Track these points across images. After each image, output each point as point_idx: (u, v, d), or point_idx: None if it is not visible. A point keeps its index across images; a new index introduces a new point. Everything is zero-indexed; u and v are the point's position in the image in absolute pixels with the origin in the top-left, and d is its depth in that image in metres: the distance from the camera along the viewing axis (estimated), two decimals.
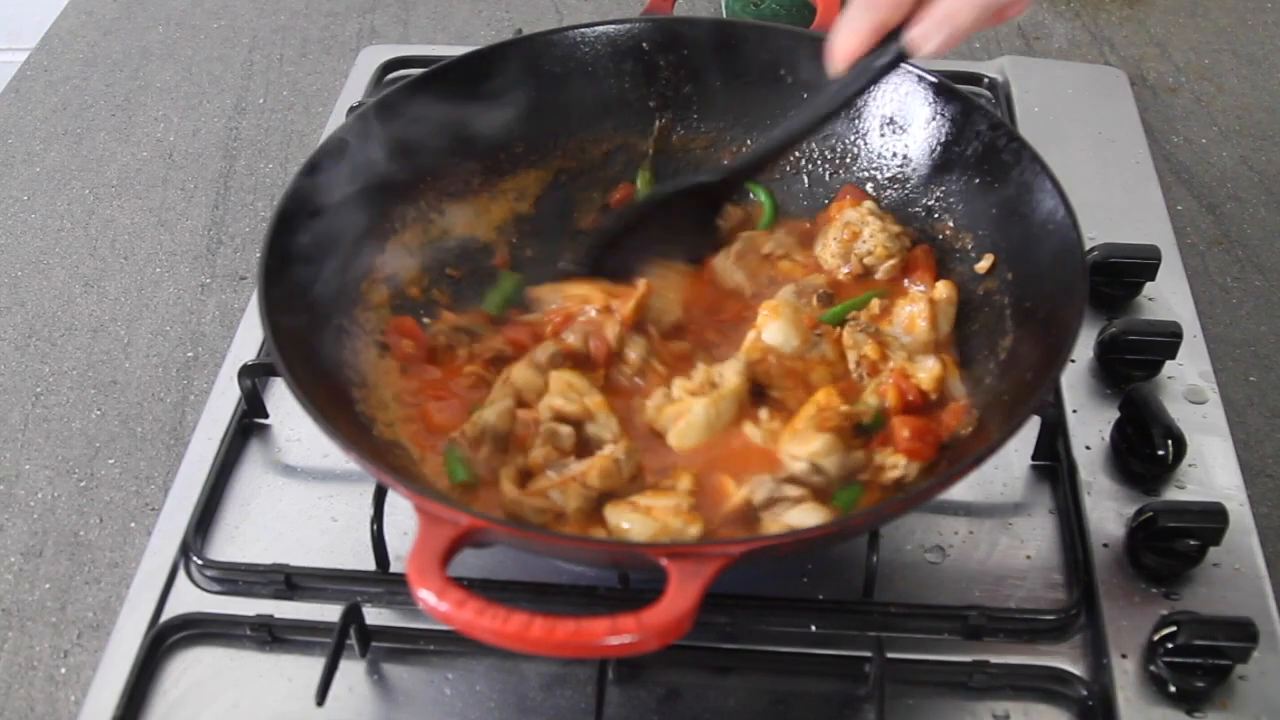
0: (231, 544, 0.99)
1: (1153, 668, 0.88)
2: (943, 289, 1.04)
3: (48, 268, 1.30)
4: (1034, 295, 0.97)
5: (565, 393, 0.96)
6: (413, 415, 0.99)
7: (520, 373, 0.99)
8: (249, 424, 1.08)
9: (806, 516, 0.88)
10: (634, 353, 1.02)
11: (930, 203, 1.10)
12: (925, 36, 0.91)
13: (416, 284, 1.09)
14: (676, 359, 1.03)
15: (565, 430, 0.95)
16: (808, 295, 1.06)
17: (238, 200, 1.38)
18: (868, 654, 0.88)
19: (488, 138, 1.16)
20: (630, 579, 0.93)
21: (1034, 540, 0.97)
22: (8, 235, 1.35)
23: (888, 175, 1.14)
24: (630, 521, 0.88)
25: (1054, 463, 1.02)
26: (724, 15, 1.61)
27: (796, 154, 1.18)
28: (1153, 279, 1.15)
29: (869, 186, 1.15)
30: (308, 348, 0.93)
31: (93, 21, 1.70)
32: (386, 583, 0.94)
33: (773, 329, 1.00)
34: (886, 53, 0.94)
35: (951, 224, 1.08)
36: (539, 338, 1.04)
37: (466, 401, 0.99)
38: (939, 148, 1.10)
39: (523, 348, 1.03)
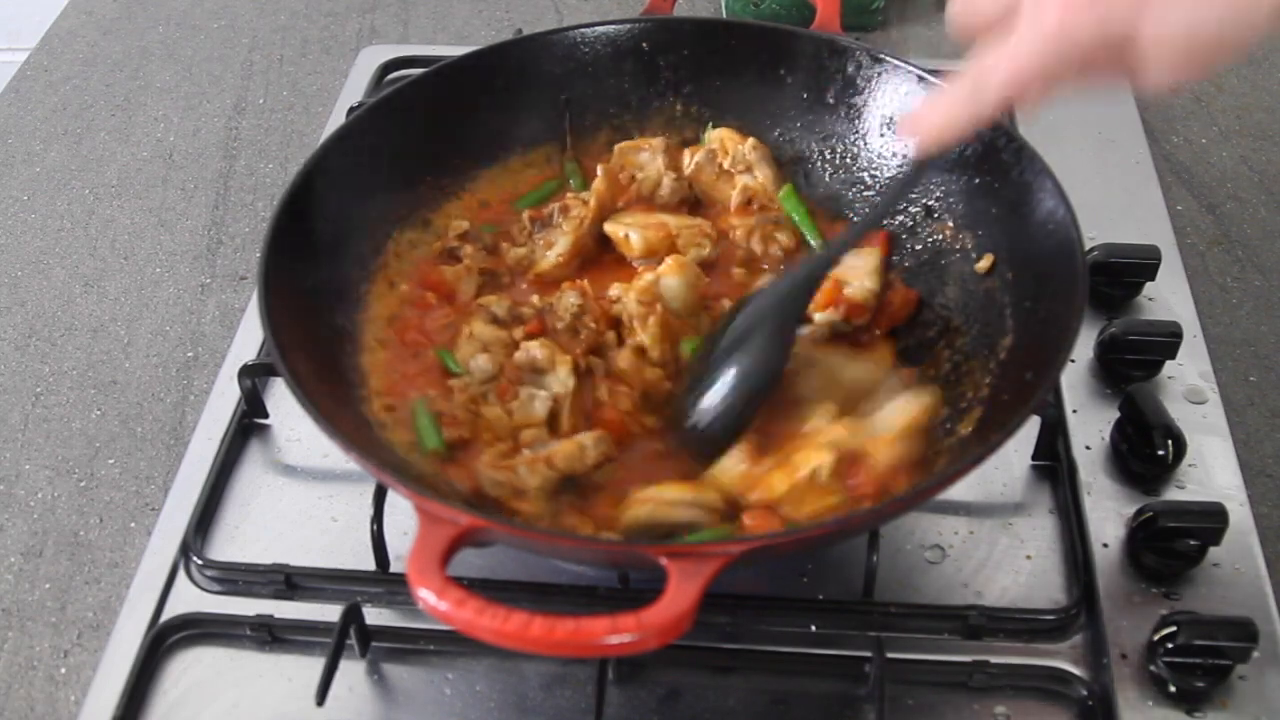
0: (231, 544, 0.99)
1: (1153, 668, 0.88)
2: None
3: (48, 268, 1.30)
4: (1034, 295, 0.97)
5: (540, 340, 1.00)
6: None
7: (480, 327, 1.01)
8: (249, 424, 1.08)
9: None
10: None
11: (930, 203, 1.10)
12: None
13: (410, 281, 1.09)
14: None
15: (542, 395, 0.96)
16: None
17: (238, 200, 1.38)
18: (868, 654, 0.88)
19: (486, 138, 1.16)
20: (630, 579, 0.93)
21: (1034, 540, 0.97)
22: (8, 235, 1.35)
23: (888, 175, 1.14)
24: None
25: (1054, 463, 1.02)
26: (724, 15, 1.61)
27: (796, 154, 1.18)
28: (1153, 279, 1.15)
29: (867, 184, 1.15)
30: (308, 348, 0.93)
31: (93, 21, 1.70)
32: (386, 583, 0.95)
33: (670, 283, 1.04)
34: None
35: (951, 224, 1.08)
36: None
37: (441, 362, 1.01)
38: None
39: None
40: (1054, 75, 0.77)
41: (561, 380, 0.97)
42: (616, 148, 1.17)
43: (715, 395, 0.94)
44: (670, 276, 1.04)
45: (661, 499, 0.90)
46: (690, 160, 1.17)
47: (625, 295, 1.03)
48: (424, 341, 1.03)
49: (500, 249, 1.12)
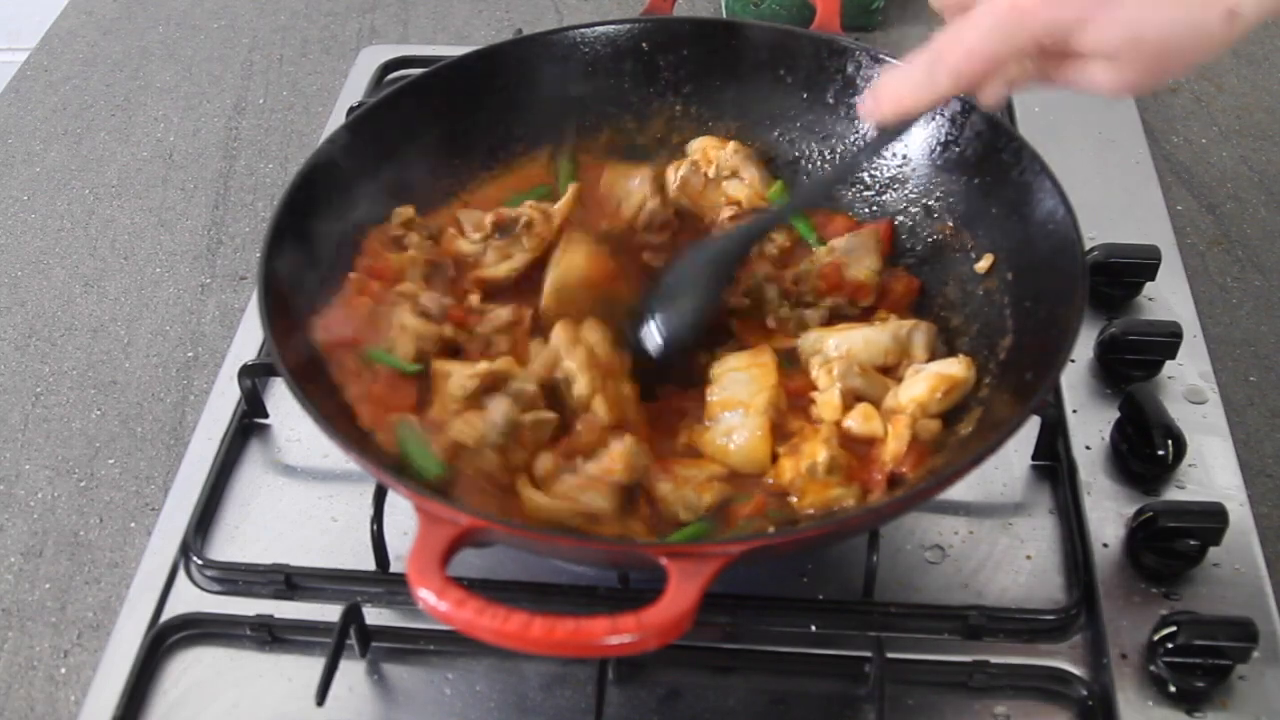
0: (231, 544, 0.99)
1: (1153, 668, 0.88)
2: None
3: (48, 268, 1.30)
4: (1034, 295, 0.97)
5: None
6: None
7: (409, 319, 0.97)
8: (249, 424, 1.08)
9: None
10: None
11: (930, 203, 1.10)
12: (998, 101, 0.87)
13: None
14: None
15: (548, 418, 0.93)
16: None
17: (238, 200, 1.38)
18: (868, 654, 0.88)
19: (486, 138, 1.16)
20: (630, 579, 0.93)
21: (1034, 540, 0.97)
22: (8, 235, 1.35)
23: (888, 175, 1.14)
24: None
25: (1054, 463, 1.02)
26: (724, 15, 1.61)
27: (795, 154, 1.18)
28: (1153, 279, 1.15)
29: (866, 184, 1.15)
30: (308, 348, 0.93)
31: (93, 21, 1.70)
32: (386, 583, 0.95)
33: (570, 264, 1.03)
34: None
35: (951, 224, 1.08)
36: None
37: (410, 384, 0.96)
38: (939, 148, 1.10)
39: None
40: (1002, 58, 0.78)
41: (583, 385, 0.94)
42: (608, 170, 1.14)
43: (653, 337, 1.00)
44: (567, 259, 1.01)
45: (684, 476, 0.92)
46: (675, 175, 1.16)
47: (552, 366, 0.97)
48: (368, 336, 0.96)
49: (445, 237, 1.07)
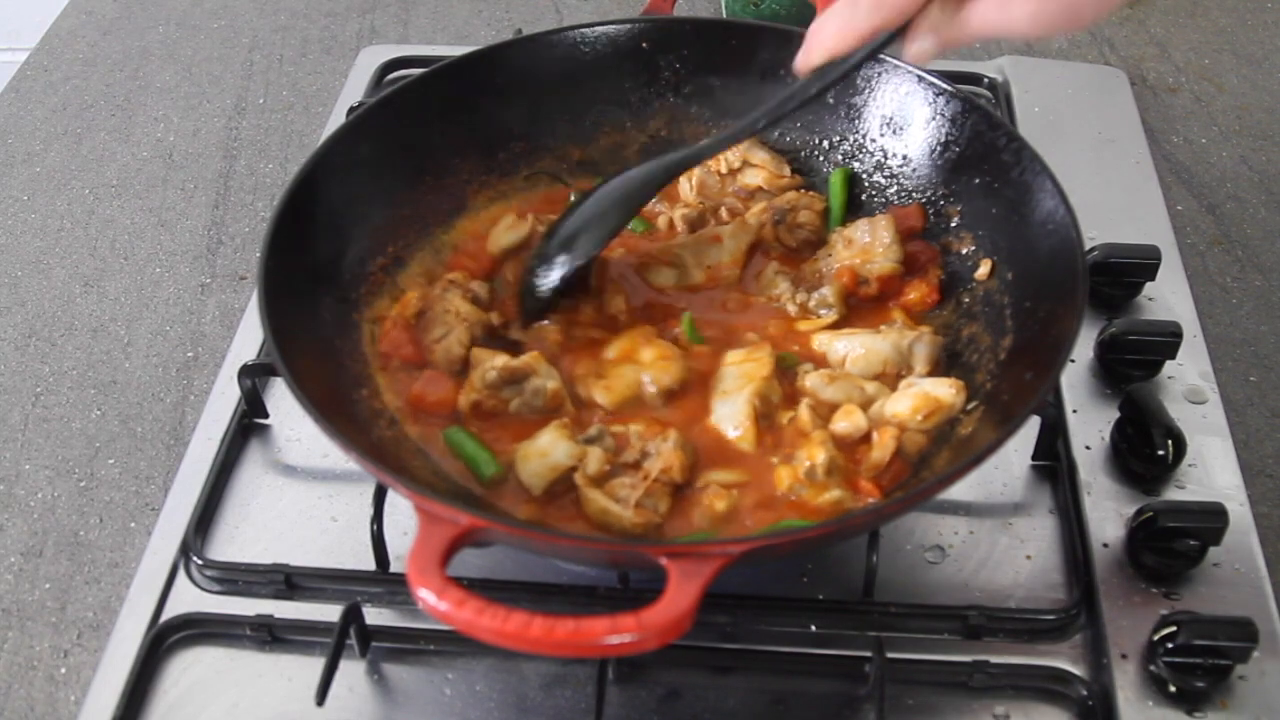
0: (231, 544, 0.99)
1: (1153, 668, 0.88)
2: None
3: (48, 268, 1.30)
4: (1034, 295, 0.97)
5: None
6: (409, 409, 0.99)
7: (459, 303, 1.03)
8: (249, 424, 1.08)
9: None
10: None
11: (930, 203, 1.10)
12: (922, 52, 0.84)
13: (415, 284, 1.09)
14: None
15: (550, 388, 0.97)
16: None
17: (238, 200, 1.38)
18: (868, 654, 0.88)
19: (487, 138, 1.16)
20: (630, 579, 0.93)
21: (1034, 540, 0.97)
22: (8, 235, 1.35)
23: (887, 176, 1.14)
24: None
25: (1054, 463, 1.02)
26: (724, 15, 1.61)
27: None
28: (1153, 279, 1.15)
29: (866, 184, 1.15)
30: (308, 348, 0.93)
31: (93, 21, 1.70)
32: (386, 583, 0.95)
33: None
34: (865, 51, 0.88)
35: (952, 224, 1.08)
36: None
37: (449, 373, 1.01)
38: (939, 148, 1.10)
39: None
40: None
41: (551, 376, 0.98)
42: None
43: (550, 273, 1.03)
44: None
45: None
46: (690, 184, 1.17)
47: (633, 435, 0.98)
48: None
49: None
